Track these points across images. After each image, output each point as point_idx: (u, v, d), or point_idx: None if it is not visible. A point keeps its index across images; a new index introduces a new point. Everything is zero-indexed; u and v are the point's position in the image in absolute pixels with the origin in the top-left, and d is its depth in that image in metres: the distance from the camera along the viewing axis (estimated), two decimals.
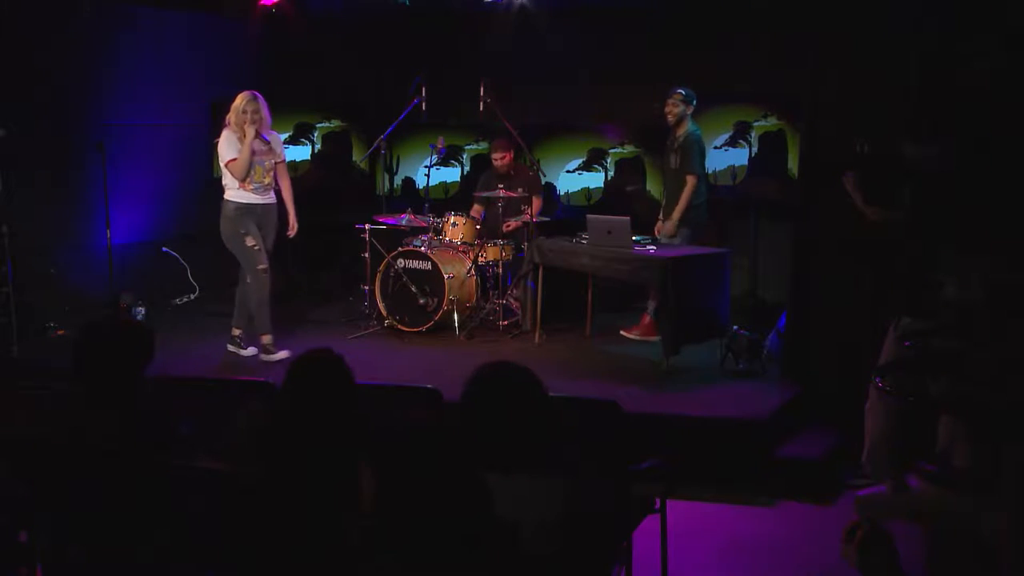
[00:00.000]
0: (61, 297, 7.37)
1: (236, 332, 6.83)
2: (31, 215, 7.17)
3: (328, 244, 9.39)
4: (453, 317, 7.32)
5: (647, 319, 7.11)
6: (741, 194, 7.88)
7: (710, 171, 7.90)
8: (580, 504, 2.71)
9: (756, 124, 7.73)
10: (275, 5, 8.84)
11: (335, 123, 9.17)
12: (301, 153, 9.14)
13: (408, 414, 3.80)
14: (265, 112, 6.52)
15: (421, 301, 7.26)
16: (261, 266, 6.60)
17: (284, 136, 9.08)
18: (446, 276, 7.18)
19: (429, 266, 7.28)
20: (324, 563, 2.70)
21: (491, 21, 8.47)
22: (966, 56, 4.53)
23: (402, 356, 6.84)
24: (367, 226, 7.57)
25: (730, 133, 7.82)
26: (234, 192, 6.54)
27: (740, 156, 7.86)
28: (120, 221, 7.76)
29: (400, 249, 7.44)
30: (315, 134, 9.18)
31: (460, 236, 7.56)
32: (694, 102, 7.01)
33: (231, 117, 6.48)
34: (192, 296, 8.66)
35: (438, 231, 7.61)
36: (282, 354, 6.59)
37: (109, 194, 7.41)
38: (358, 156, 9.07)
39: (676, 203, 7.02)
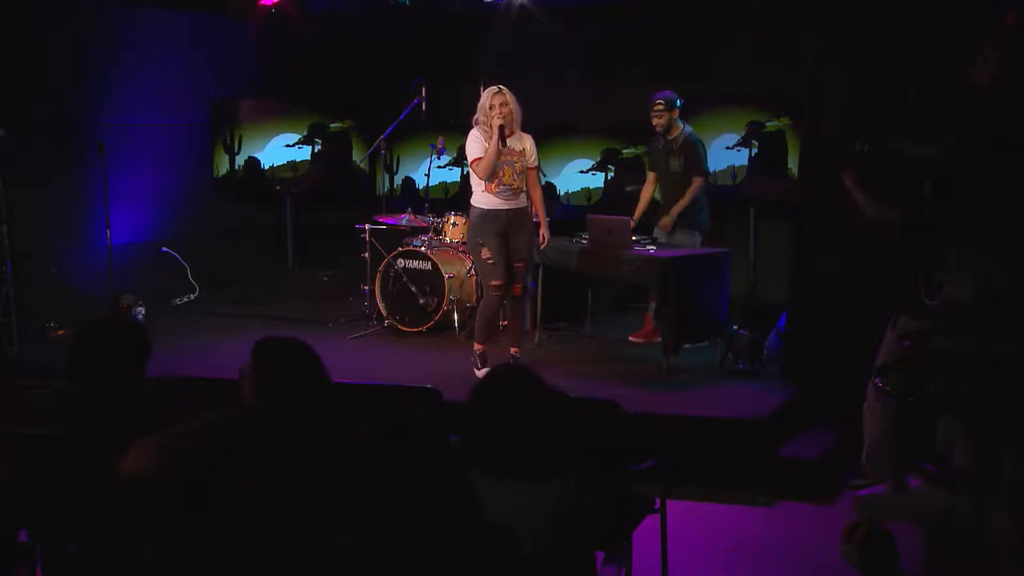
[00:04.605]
0: (61, 297, 7.36)
1: (478, 348, 6.29)
2: (31, 215, 7.17)
3: (328, 244, 9.40)
4: (453, 317, 7.32)
5: (650, 320, 7.10)
6: (741, 194, 7.88)
7: (710, 171, 7.91)
8: (580, 506, 2.71)
9: (769, 124, 7.73)
10: (275, 5, 8.85)
11: (347, 123, 9.19)
12: (302, 153, 9.15)
13: (401, 415, 3.81)
14: (516, 107, 6.02)
15: (421, 301, 7.26)
16: (495, 281, 6.11)
17: (297, 137, 9.11)
18: (446, 276, 7.18)
19: (429, 266, 7.28)
20: (317, 564, 2.71)
21: (491, 21, 8.47)
22: (966, 56, 4.52)
23: (402, 356, 6.84)
24: (367, 226, 7.57)
25: (743, 133, 7.82)
26: (479, 196, 6.09)
27: (740, 156, 7.87)
28: (120, 221, 7.75)
29: (400, 249, 7.44)
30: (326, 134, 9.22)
31: (460, 236, 7.55)
32: (679, 103, 6.95)
33: (479, 115, 6.05)
34: (192, 296, 8.65)
35: (438, 231, 7.60)
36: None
37: (109, 194, 7.41)
38: (358, 156, 9.08)
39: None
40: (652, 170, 7.27)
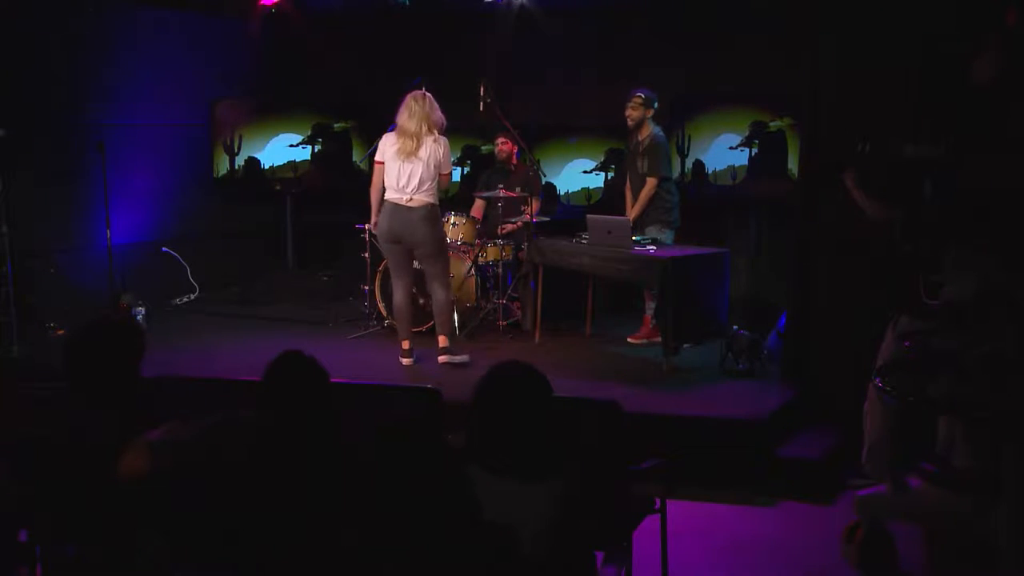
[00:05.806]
0: (61, 297, 7.37)
1: (446, 342, 6.53)
2: (31, 215, 7.17)
3: (328, 244, 9.40)
4: (453, 317, 7.31)
5: (649, 321, 7.11)
6: (741, 194, 7.88)
7: (710, 171, 7.91)
8: (580, 505, 2.71)
9: (772, 124, 7.73)
10: (275, 5, 8.85)
11: (347, 123, 9.19)
12: (302, 153, 9.15)
13: (401, 415, 3.81)
14: None
15: (421, 301, 7.26)
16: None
17: (300, 137, 9.12)
18: None
19: None
20: (318, 564, 2.71)
21: (491, 21, 8.47)
22: (966, 56, 4.53)
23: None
24: (367, 226, 7.56)
25: (745, 134, 7.82)
26: (437, 198, 6.37)
27: (741, 156, 7.87)
28: (120, 221, 7.76)
29: None
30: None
31: (460, 236, 7.55)
32: (655, 104, 7.01)
33: (439, 126, 6.30)
34: (192, 296, 8.67)
35: None
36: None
37: (109, 194, 7.41)
38: (358, 156, 9.08)
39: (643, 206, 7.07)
40: (626, 170, 7.32)
